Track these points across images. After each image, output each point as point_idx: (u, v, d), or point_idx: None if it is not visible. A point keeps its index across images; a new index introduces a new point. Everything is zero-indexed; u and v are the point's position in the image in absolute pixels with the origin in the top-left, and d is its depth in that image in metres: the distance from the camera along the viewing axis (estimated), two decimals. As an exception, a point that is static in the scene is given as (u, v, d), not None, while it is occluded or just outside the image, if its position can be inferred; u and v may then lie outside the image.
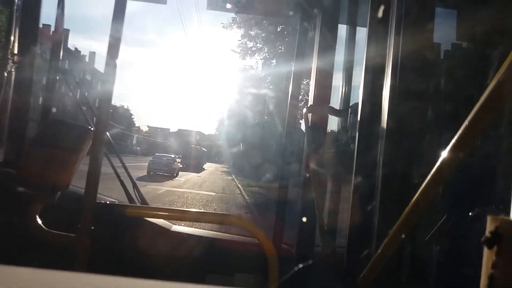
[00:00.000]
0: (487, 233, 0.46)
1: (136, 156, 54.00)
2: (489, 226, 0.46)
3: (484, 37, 1.88)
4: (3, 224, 1.86)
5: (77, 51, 52.33)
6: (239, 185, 22.27)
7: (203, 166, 48.63)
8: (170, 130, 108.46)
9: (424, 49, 1.44)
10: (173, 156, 29.45)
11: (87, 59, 58.15)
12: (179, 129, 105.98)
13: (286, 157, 2.32)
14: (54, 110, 2.53)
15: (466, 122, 0.74)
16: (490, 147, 1.68)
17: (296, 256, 2.01)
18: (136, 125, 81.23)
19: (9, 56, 2.77)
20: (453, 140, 0.78)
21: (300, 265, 1.79)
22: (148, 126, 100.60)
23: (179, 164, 29.97)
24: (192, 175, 30.54)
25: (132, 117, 77.15)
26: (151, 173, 24.94)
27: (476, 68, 1.95)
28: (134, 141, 69.58)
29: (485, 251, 0.47)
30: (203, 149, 51.79)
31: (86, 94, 2.76)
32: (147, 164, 26.14)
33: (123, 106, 72.94)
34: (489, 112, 0.72)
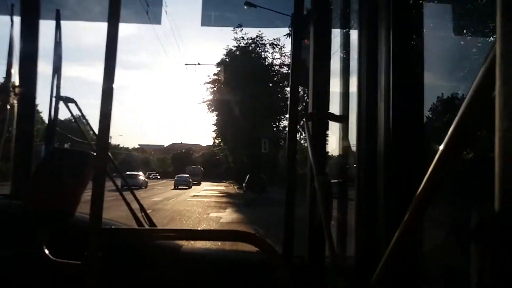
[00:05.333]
0: (472, 226, 0.44)
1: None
2: (474, 219, 0.45)
3: (477, 32, 1.87)
4: (12, 257, 1.87)
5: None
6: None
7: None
8: (165, 146, 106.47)
9: (415, 48, 1.43)
10: (188, 175, 45.40)
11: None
12: (173, 143, 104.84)
13: (290, 167, 2.30)
14: (56, 137, 2.55)
15: (455, 121, 0.72)
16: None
17: (308, 269, 1.98)
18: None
19: (11, 89, 2.81)
20: (445, 139, 0.76)
21: None
22: (139, 145, 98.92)
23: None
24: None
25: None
26: (177, 187, 40.42)
27: (472, 64, 1.94)
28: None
29: (473, 245, 0.45)
30: (201, 168, 60.49)
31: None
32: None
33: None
34: (477, 109, 0.70)
